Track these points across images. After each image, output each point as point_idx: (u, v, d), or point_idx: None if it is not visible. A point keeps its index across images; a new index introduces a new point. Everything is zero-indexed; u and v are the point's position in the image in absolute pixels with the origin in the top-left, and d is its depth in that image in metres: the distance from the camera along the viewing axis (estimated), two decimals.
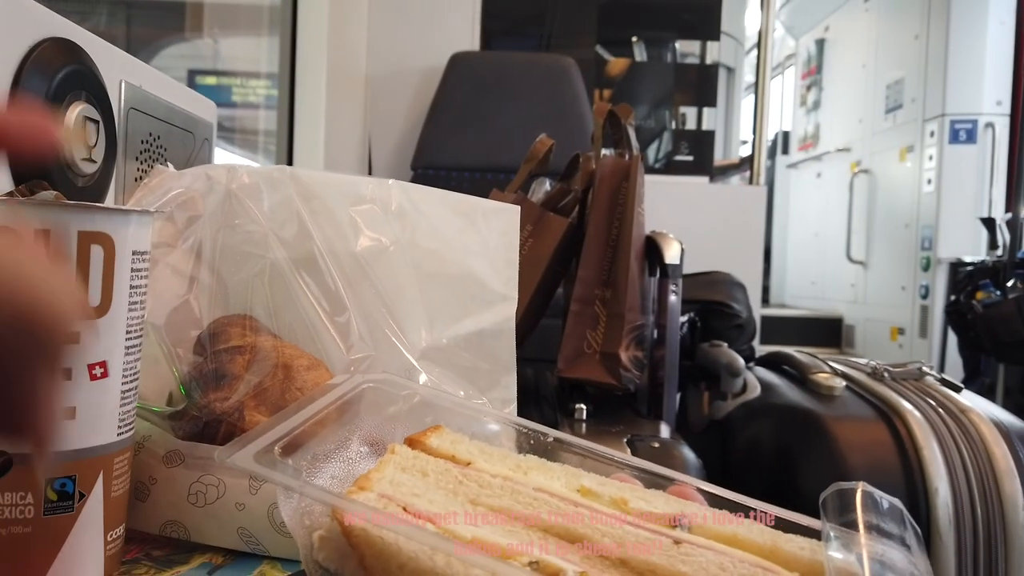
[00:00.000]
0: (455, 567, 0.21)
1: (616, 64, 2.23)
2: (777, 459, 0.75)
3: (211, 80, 2.18)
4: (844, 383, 0.80)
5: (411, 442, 0.29)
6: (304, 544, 0.23)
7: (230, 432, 0.35)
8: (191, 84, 1.78)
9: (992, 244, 2.39)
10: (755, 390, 0.82)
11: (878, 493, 0.27)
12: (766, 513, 0.28)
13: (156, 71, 0.51)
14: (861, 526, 0.25)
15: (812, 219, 4.27)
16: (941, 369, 2.06)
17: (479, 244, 0.43)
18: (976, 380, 2.28)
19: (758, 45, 1.87)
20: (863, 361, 0.89)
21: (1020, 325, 1.97)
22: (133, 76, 0.47)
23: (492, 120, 1.60)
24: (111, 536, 0.32)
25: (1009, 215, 2.34)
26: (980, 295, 2.19)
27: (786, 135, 4.71)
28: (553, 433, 0.30)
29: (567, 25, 2.06)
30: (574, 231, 0.84)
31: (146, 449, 0.36)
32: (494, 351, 0.40)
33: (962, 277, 2.43)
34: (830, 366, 0.85)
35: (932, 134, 3.13)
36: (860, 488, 0.27)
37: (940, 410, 0.75)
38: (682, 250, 0.81)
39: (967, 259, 2.58)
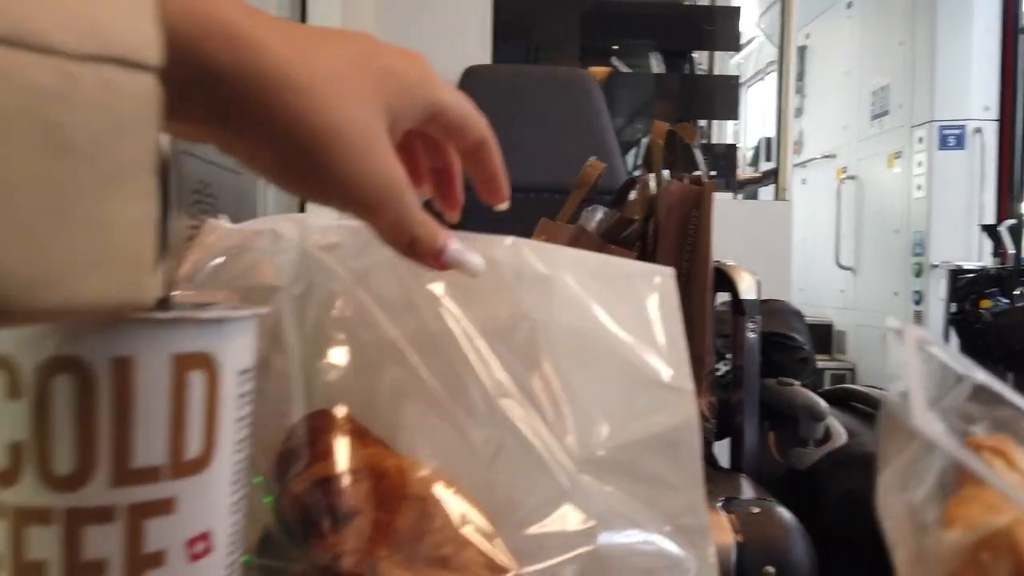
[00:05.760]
0: None
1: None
2: None
3: None
4: None
5: None
6: None
7: None
8: None
9: (996, 251, 2.38)
10: (841, 437, 0.75)
11: None
12: None
13: None
14: None
15: (799, 225, 4.26)
16: None
17: (633, 319, 0.34)
18: None
19: (780, 51, 1.81)
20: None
21: None
22: None
23: (510, 136, 1.50)
24: None
25: (1013, 221, 2.33)
26: (986, 303, 2.17)
27: (769, 141, 4.71)
28: None
29: (576, 38, 1.99)
30: None
31: None
32: (673, 462, 0.31)
33: (963, 284, 2.42)
34: None
35: (921, 140, 3.13)
36: None
37: None
38: (758, 283, 0.74)
39: (966, 266, 2.56)
